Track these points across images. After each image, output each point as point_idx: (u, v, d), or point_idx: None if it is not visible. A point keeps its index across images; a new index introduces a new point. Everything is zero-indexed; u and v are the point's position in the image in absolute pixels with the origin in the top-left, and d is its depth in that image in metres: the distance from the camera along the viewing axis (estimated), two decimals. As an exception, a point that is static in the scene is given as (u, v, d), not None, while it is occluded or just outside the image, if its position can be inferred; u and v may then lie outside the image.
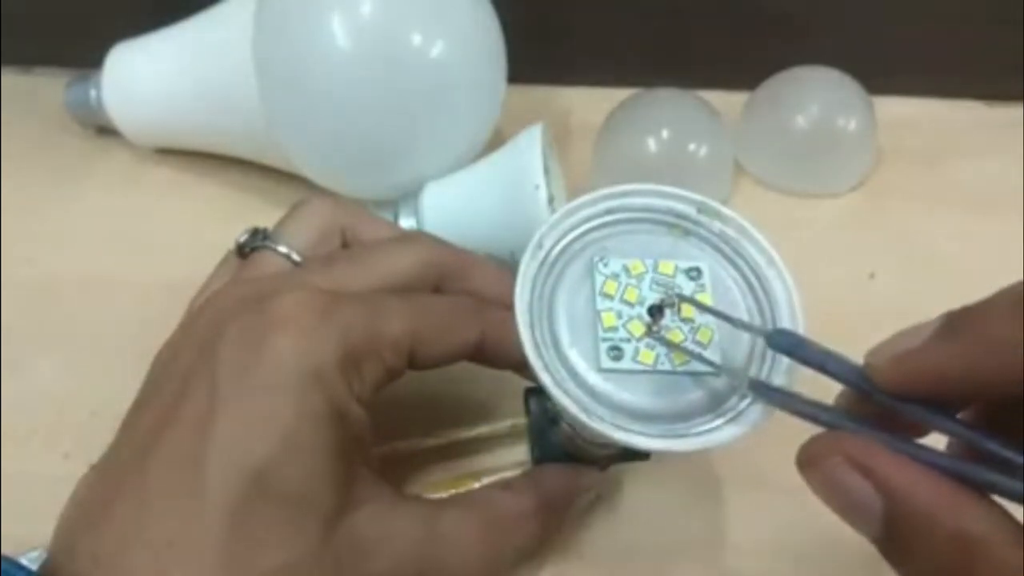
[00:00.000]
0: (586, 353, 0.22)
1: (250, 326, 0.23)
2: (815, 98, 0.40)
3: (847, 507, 0.18)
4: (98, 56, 0.41)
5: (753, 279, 0.24)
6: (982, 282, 0.19)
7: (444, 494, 0.29)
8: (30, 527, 0.24)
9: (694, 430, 0.21)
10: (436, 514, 0.25)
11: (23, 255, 0.39)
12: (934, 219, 0.40)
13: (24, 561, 0.22)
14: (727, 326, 0.22)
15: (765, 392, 0.21)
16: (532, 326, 0.22)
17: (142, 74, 0.40)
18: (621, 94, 0.40)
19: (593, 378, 0.22)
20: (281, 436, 0.22)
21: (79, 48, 0.42)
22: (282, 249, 0.27)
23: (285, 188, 0.40)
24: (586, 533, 0.30)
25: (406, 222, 0.35)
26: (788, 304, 0.23)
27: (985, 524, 0.16)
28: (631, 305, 0.23)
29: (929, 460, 0.17)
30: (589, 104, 0.42)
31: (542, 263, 0.23)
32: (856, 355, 0.19)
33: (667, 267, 0.24)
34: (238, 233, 0.29)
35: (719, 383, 0.22)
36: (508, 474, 0.29)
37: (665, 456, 0.29)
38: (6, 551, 0.22)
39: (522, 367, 0.24)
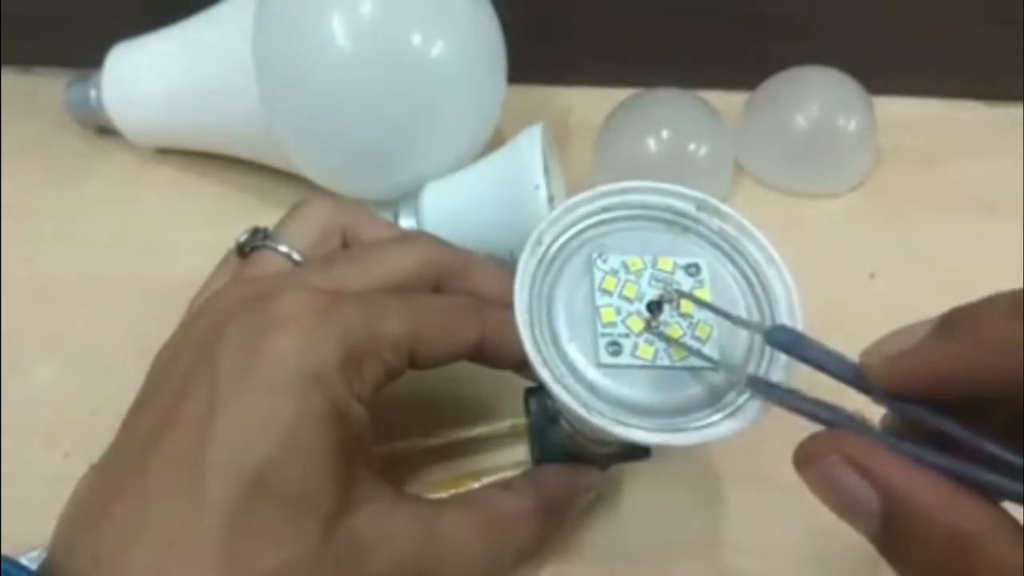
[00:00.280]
0: (585, 349, 0.22)
1: (250, 326, 0.23)
2: (815, 98, 0.40)
3: (844, 506, 0.18)
4: (98, 56, 0.41)
5: (752, 277, 0.24)
6: (982, 282, 0.19)
7: (444, 494, 0.29)
8: (30, 527, 0.24)
9: (693, 424, 0.21)
10: (436, 514, 0.25)
11: (23, 255, 0.39)
12: (934, 219, 0.40)
13: (24, 561, 0.22)
14: (726, 322, 0.22)
15: (763, 388, 0.21)
16: (531, 323, 0.22)
17: (142, 74, 0.40)
18: (621, 94, 0.40)
19: (592, 373, 0.22)
20: (281, 436, 0.22)
21: (79, 48, 0.42)
22: (282, 249, 0.27)
23: (285, 188, 0.40)
24: (586, 533, 0.30)
25: (406, 222, 0.35)
26: (787, 302, 0.23)
27: (983, 523, 0.16)
28: (630, 301, 0.23)
29: (928, 460, 0.17)
30: (589, 104, 0.42)
31: (541, 260, 0.23)
32: (855, 355, 0.19)
33: (666, 263, 0.24)
34: (238, 233, 0.29)
35: (717, 378, 0.22)
36: (508, 474, 0.29)
37: (664, 451, 0.30)
38: (6, 551, 0.22)
39: (522, 367, 0.25)
